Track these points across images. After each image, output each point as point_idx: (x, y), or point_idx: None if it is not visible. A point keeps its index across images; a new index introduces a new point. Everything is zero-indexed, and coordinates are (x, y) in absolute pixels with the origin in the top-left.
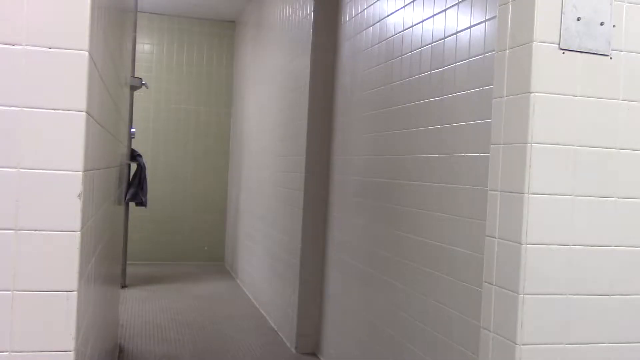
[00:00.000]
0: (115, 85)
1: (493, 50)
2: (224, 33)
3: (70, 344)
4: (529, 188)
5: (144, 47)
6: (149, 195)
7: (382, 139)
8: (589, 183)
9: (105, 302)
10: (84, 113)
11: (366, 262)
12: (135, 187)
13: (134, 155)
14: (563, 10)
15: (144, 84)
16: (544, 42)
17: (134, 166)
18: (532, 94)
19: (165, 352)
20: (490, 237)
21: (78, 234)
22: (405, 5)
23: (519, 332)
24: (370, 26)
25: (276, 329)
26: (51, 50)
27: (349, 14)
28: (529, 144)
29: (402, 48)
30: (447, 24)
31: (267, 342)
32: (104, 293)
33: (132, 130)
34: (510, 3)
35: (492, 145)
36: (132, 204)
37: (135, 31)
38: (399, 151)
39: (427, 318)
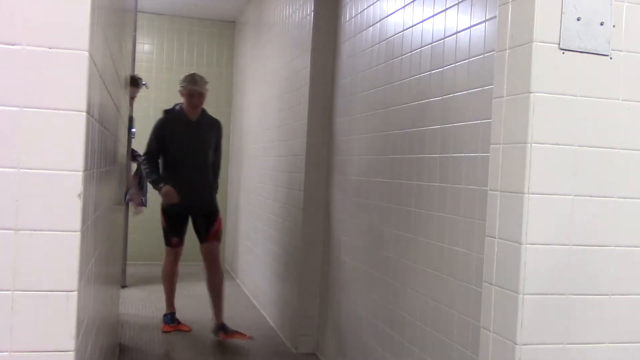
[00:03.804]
0: (115, 85)
1: (493, 50)
2: (224, 33)
3: (70, 344)
4: (529, 188)
5: (144, 47)
6: (148, 195)
7: (382, 139)
8: (589, 183)
9: (105, 302)
10: (84, 113)
11: (366, 262)
12: (135, 187)
13: (134, 155)
14: (563, 10)
15: (144, 84)
16: (544, 42)
17: (134, 166)
18: (532, 94)
19: (165, 352)
20: (490, 237)
21: (78, 234)
22: (405, 5)
23: (519, 332)
24: (370, 26)
25: (276, 329)
26: (51, 50)
27: (349, 14)
28: (529, 144)
29: (402, 48)
30: (447, 24)
31: (267, 342)
32: (104, 293)
33: (132, 130)
34: (510, 3)
35: (492, 145)
36: (132, 204)
37: (135, 31)
38: (399, 151)
39: (427, 318)
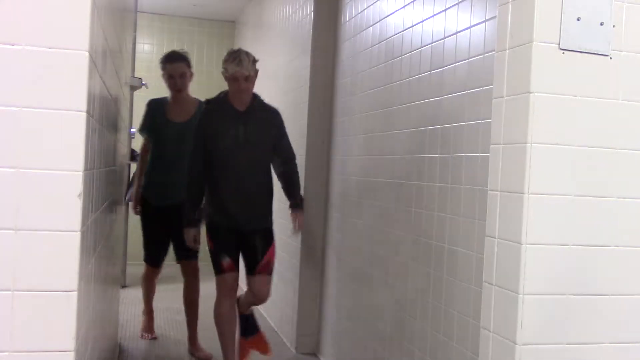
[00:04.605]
0: (115, 85)
1: (493, 50)
2: (224, 33)
3: (70, 344)
4: (529, 188)
5: (144, 47)
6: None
7: (382, 139)
8: (589, 183)
9: (105, 302)
10: (84, 113)
11: (366, 262)
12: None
13: (134, 155)
14: (563, 10)
15: (144, 84)
16: (544, 42)
17: (134, 166)
18: (532, 94)
19: (165, 352)
20: (490, 237)
21: (78, 234)
22: (405, 6)
23: (519, 332)
24: (370, 26)
25: (276, 329)
26: (51, 50)
27: (349, 14)
28: (529, 144)
29: (402, 48)
30: (447, 24)
31: None
32: (104, 293)
33: (132, 130)
34: (510, 3)
35: (492, 145)
36: (132, 204)
37: (135, 31)
38: (399, 151)
39: (427, 318)
